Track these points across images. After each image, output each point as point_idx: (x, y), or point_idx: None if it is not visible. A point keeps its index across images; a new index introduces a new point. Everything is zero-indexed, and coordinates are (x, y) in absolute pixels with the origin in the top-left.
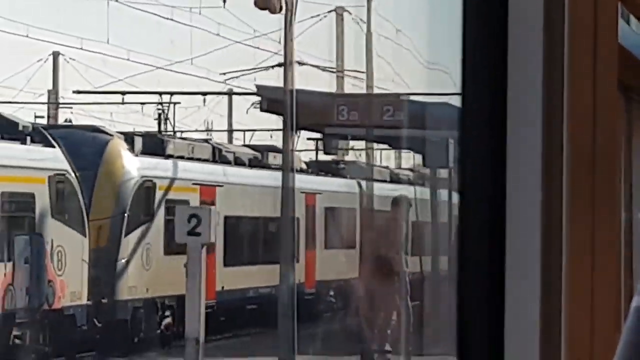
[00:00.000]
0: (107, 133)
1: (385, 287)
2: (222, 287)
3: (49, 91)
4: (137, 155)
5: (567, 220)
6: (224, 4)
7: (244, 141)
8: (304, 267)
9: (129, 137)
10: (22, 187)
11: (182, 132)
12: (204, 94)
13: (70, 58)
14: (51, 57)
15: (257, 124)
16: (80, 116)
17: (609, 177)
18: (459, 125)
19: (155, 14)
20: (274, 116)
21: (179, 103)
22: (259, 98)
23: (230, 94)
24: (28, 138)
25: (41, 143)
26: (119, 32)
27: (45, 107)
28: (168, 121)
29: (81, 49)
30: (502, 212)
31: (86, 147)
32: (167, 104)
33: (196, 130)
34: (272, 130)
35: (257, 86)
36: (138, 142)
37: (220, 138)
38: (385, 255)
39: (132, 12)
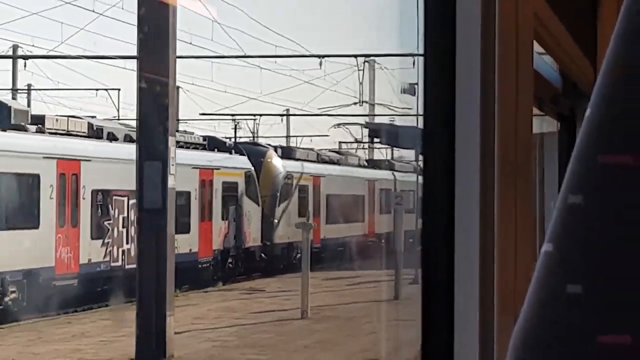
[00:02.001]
0: (264, 146)
1: None
2: (324, 236)
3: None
4: (282, 159)
5: (498, 196)
6: (320, 66)
7: (297, 144)
8: (367, 224)
9: (275, 148)
10: (232, 178)
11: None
12: (281, 115)
13: (187, 90)
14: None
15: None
16: (190, 129)
17: (526, 164)
18: (422, 137)
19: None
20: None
21: (256, 120)
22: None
23: (288, 115)
24: (233, 150)
25: (237, 153)
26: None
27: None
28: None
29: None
30: (452, 187)
31: (256, 154)
32: (253, 121)
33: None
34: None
35: (366, 122)
36: (279, 150)
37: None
38: None
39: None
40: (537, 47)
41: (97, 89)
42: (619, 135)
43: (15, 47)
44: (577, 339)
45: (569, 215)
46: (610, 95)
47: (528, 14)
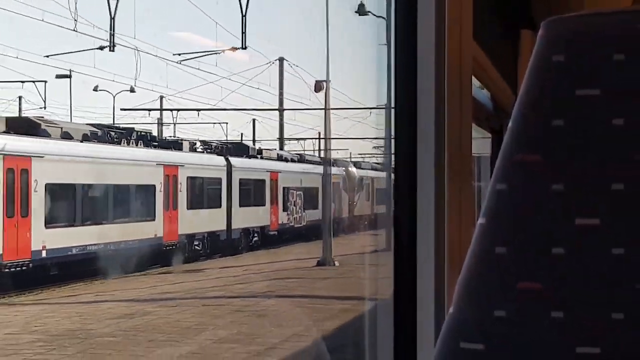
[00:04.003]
0: (347, 160)
1: None
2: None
3: (242, 134)
4: (356, 168)
5: (448, 188)
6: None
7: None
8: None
9: (353, 162)
10: (335, 180)
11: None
12: (319, 138)
13: (260, 121)
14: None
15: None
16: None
17: (468, 166)
18: (394, 148)
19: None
20: None
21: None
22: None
23: (321, 138)
24: (334, 165)
25: (338, 166)
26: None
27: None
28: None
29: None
30: (414, 182)
31: (343, 165)
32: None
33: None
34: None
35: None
36: (353, 164)
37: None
38: None
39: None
40: (475, 81)
41: (213, 123)
42: (529, 141)
43: (161, 98)
44: (502, 285)
45: (496, 197)
46: (523, 114)
47: (468, 58)
